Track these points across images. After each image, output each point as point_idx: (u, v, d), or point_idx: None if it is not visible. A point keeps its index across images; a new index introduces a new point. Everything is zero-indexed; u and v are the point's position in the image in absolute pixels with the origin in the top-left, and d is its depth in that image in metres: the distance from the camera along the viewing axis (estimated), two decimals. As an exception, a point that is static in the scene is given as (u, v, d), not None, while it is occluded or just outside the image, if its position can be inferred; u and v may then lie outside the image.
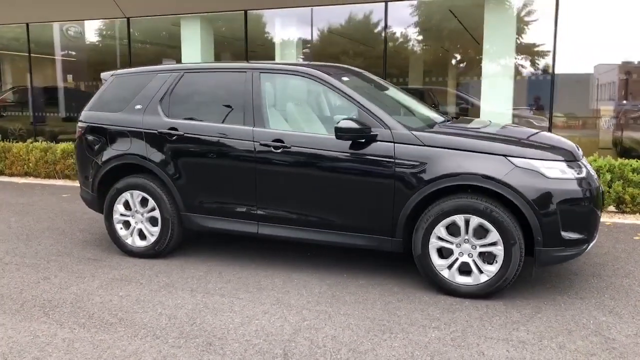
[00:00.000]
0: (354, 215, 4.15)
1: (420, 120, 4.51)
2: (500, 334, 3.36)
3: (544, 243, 3.71)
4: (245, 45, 10.00)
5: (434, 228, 3.89)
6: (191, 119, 4.64)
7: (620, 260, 4.76)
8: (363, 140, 4.03)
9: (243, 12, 9.94)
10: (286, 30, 10.90)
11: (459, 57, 11.76)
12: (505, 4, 8.82)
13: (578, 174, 3.84)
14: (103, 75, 5.20)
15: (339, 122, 3.99)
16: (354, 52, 11.70)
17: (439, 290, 3.99)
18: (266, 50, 11.10)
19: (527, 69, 9.65)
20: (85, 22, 12.29)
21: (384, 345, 3.21)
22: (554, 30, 8.18)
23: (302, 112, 4.65)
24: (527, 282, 4.15)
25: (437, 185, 3.84)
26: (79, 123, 5.15)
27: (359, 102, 4.17)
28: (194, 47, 10.50)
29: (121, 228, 4.91)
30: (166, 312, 3.71)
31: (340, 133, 3.98)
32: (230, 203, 4.50)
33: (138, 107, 4.81)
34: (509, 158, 3.78)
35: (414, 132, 3.99)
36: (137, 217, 4.83)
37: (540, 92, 9.42)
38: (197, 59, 10.45)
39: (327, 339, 3.30)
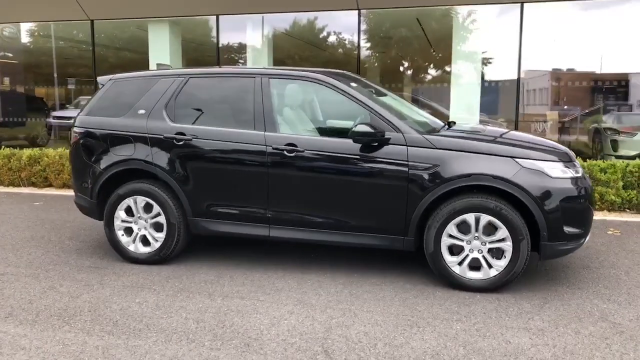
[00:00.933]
0: (367, 216, 4.29)
1: (423, 124, 4.72)
2: (519, 323, 3.58)
3: (549, 238, 3.99)
4: (217, 50, 9.98)
5: (445, 226, 4.09)
6: (199, 123, 4.64)
7: (602, 253, 5.14)
8: (377, 144, 4.18)
9: (215, 16, 9.92)
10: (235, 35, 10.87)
11: (419, 64, 12.22)
12: (473, 16, 9.29)
13: (575, 173, 4.15)
14: (100, 79, 5.10)
15: (356, 127, 4.13)
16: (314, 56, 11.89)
17: (450, 285, 4.19)
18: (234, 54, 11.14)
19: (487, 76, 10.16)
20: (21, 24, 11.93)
21: (416, 339, 3.37)
22: (519, 40, 8.66)
23: (311, 117, 4.75)
24: (526, 276, 4.42)
25: (450, 186, 4.04)
26: (75, 128, 5.03)
27: (370, 107, 4.32)
28: (162, 52, 10.36)
29: (122, 235, 4.83)
30: (191, 316, 3.71)
31: (358, 137, 4.12)
32: (240, 207, 4.54)
33: (141, 111, 4.76)
34: (516, 159, 4.04)
35: (425, 136, 4.19)
36: (140, 223, 4.77)
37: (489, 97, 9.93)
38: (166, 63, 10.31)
39: (361, 335, 3.41)
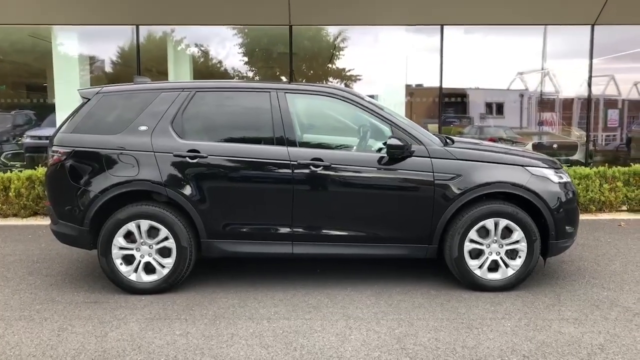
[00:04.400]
0: (394, 227, 4.41)
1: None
2: (553, 315, 3.96)
3: (556, 237, 4.46)
4: (137, 60, 9.35)
5: (468, 232, 4.37)
6: (211, 140, 4.41)
7: (586, 247, 5.73)
8: (403, 157, 4.34)
9: (135, 26, 9.30)
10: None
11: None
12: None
13: (567, 178, 4.69)
14: (83, 92, 4.58)
15: (389, 140, 4.25)
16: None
17: (471, 287, 4.47)
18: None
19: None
20: None
21: (482, 339, 3.56)
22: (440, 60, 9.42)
23: (330, 131, 4.76)
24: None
25: (474, 194, 4.33)
26: (56, 147, 4.46)
27: (391, 121, 4.47)
28: (69, 64, 9.44)
29: (121, 264, 4.38)
30: (252, 342, 3.52)
31: (392, 150, 4.24)
32: (262, 225, 4.39)
33: (143, 128, 4.38)
34: (526, 167, 4.46)
35: (446, 148, 4.44)
36: (143, 250, 4.37)
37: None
38: (74, 77, 9.42)
39: (433, 342, 3.52)
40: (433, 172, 4.35)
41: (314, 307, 4.12)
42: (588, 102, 9.83)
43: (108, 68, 10.75)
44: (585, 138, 10.00)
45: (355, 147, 4.75)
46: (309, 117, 4.78)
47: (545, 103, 11.31)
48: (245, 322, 3.84)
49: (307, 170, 4.32)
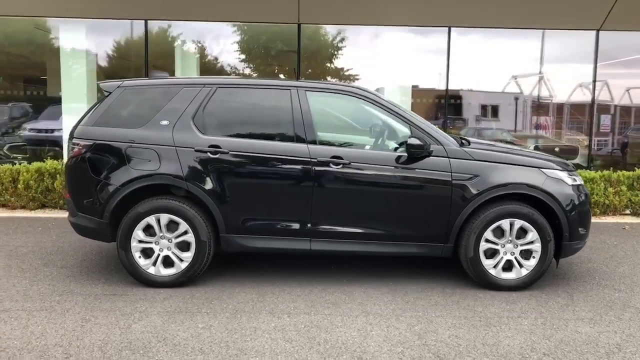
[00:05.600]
0: (412, 226, 4.46)
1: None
2: (569, 315, 4.03)
3: (570, 238, 4.53)
4: (145, 56, 9.35)
5: (484, 232, 4.43)
6: (232, 136, 4.44)
7: (593, 250, 5.82)
8: (422, 156, 4.39)
9: (144, 21, 9.30)
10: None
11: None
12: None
13: (579, 181, 4.76)
14: (104, 86, 4.60)
15: (410, 139, 4.31)
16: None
17: (485, 286, 4.53)
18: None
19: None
20: None
21: (501, 337, 3.62)
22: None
23: (349, 130, 4.80)
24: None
25: (491, 194, 4.39)
26: (77, 140, 4.48)
27: (411, 121, 4.53)
28: (75, 57, 9.41)
29: (140, 257, 4.41)
30: (275, 335, 3.56)
31: (413, 149, 4.29)
32: (281, 221, 4.43)
33: (164, 122, 4.41)
34: (543, 170, 4.53)
35: (464, 148, 4.50)
36: (162, 243, 4.40)
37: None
38: (81, 73, 9.40)
39: (453, 338, 3.58)
40: (451, 172, 4.41)
41: (332, 303, 4.17)
42: (591, 107, 9.94)
43: (114, 62, 10.73)
44: (585, 142, 10.12)
45: (374, 146, 4.80)
46: (329, 115, 4.83)
47: (542, 107, 11.42)
48: (266, 317, 3.89)
49: (326, 168, 4.37)
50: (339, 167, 4.37)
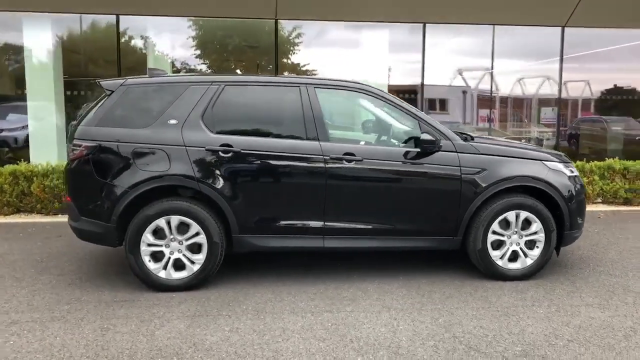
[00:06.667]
0: (424, 220, 4.53)
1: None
2: (578, 301, 4.20)
3: (570, 227, 4.72)
4: (117, 52, 9.04)
5: (492, 224, 4.55)
6: (243, 134, 4.37)
7: (579, 238, 6.11)
8: (432, 151, 4.46)
9: (115, 16, 8.98)
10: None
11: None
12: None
13: (576, 172, 4.96)
14: (106, 84, 4.41)
15: (422, 135, 4.36)
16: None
17: (492, 277, 4.65)
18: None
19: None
20: None
21: (524, 325, 3.74)
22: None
23: (358, 126, 4.80)
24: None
25: (499, 187, 4.52)
26: (78, 141, 4.28)
27: (419, 117, 4.58)
28: (40, 54, 9.00)
29: (150, 261, 4.28)
30: (305, 335, 3.54)
31: (425, 145, 4.35)
32: (294, 219, 4.40)
33: (172, 122, 4.29)
34: (544, 162, 4.69)
35: (471, 143, 4.60)
36: (173, 246, 4.28)
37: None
38: (47, 69, 9.00)
39: (479, 329, 3.67)
40: (460, 167, 4.50)
41: (351, 300, 4.18)
42: (559, 101, 10.35)
43: (82, 57, 10.32)
44: (548, 134, 10.54)
45: (385, 142, 4.84)
46: (339, 111, 4.83)
47: (491, 101, 11.79)
48: (290, 316, 3.86)
49: (339, 165, 4.37)
50: (351, 163, 4.38)
